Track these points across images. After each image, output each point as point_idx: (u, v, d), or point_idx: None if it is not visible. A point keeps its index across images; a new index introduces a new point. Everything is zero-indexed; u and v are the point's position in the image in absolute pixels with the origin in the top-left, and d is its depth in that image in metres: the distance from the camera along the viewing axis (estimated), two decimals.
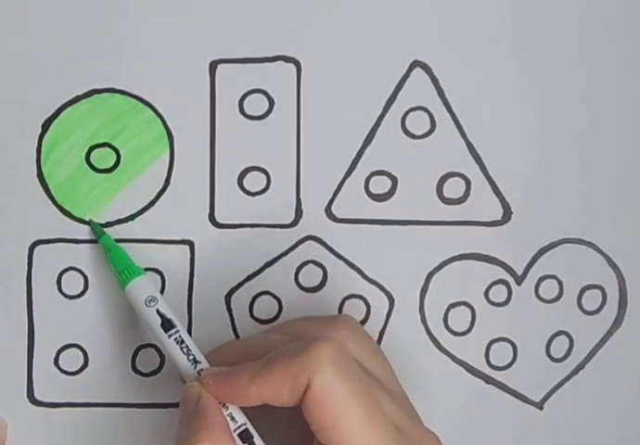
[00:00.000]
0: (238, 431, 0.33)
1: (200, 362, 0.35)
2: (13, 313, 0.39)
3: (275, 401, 0.32)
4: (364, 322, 0.39)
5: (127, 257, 0.37)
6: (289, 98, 0.39)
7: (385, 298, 0.39)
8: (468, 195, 0.39)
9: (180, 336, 0.35)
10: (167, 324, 0.36)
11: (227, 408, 0.33)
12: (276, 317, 0.39)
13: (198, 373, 0.35)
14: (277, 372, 0.32)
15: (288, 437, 0.36)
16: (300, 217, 0.39)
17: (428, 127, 0.39)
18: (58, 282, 0.39)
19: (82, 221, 0.39)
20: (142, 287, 0.36)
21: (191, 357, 0.35)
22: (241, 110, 0.39)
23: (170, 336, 0.35)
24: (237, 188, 0.39)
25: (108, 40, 0.38)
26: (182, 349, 0.35)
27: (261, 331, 0.39)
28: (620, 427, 0.40)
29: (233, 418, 0.33)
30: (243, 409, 0.34)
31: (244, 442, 0.33)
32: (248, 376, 0.32)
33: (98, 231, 0.38)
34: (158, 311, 0.36)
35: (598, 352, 0.40)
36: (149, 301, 0.36)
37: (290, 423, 0.35)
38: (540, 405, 0.40)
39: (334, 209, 0.39)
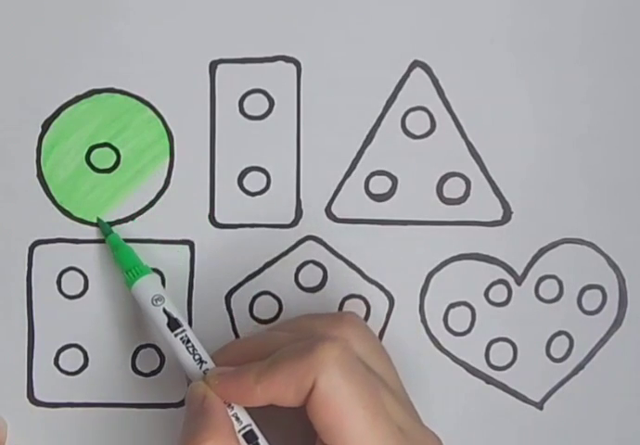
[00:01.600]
0: (243, 432, 0.33)
1: (206, 362, 0.35)
2: (13, 313, 0.39)
3: (280, 402, 0.32)
4: None
5: (134, 256, 0.37)
6: (289, 98, 0.39)
7: (385, 298, 0.39)
8: (468, 195, 0.39)
9: (186, 336, 0.35)
10: (173, 324, 0.35)
11: (232, 408, 0.33)
12: (276, 317, 0.39)
13: (204, 372, 0.35)
14: (283, 372, 0.32)
15: (290, 435, 0.36)
16: (300, 217, 0.39)
17: (428, 127, 0.39)
18: (58, 282, 0.39)
19: (82, 221, 0.39)
20: (148, 286, 0.36)
21: (197, 356, 0.35)
22: (241, 110, 0.39)
23: (176, 336, 0.35)
24: (237, 188, 0.39)
25: (108, 40, 0.38)
26: (188, 348, 0.35)
27: (264, 329, 0.39)
28: (620, 427, 0.40)
29: (238, 419, 0.33)
30: (248, 409, 0.34)
31: (249, 443, 0.33)
32: (253, 376, 0.32)
33: (106, 229, 0.38)
34: (164, 310, 0.36)
35: (598, 352, 0.40)
36: (156, 300, 0.36)
37: (293, 422, 0.35)
38: (540, 405, 0.40)
39: (334, 209, 0.39)
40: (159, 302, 0.36)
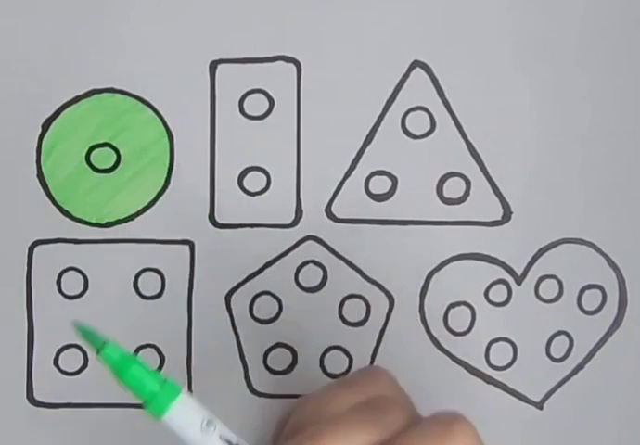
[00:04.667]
0: None
1: None
2: (13, 313, 0.39)
3: None
4: (364, 322, 0.39)
5: (150, 372, 0.27)
6: (289, 98, 0.39)
7: (385, 298, 0.39)
8: (468, 195, 0.39)
9: None
10: None
11: None
12: (276, 317, 0.39)
13: None
14: None
15: None
16: (301, 217, 0.39)
17: (428, 127, 0.39)
18: (58, 282, 0.39)
19: (82, 221, 0.39)
20: (191, 409, 0.26)
21: None
22: (241, 110, 0.39)
23: None
24: (237, 188, 0.39)
25: (108, 40, 0.38)
26: None
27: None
28: (620, 427, 0.40)
29: None
30: None
31: None
32: None
33: (97, 342, 0.27)
34: (221, 437, 0.26)
35: (598, 352, 0.40)
36: (207, 424, 0.26)
37: None
38: (540, 405, 0.40)
39: (334, 209, 0.39)
40: (211, 426, 0.26)
